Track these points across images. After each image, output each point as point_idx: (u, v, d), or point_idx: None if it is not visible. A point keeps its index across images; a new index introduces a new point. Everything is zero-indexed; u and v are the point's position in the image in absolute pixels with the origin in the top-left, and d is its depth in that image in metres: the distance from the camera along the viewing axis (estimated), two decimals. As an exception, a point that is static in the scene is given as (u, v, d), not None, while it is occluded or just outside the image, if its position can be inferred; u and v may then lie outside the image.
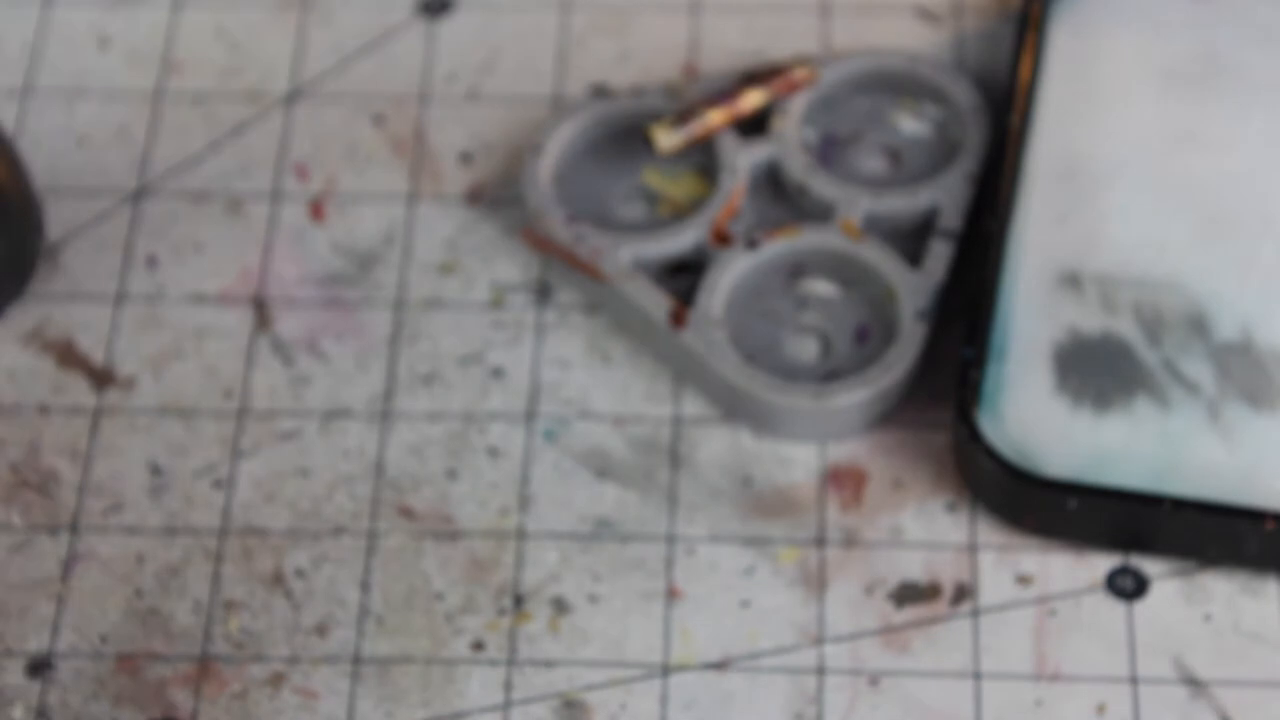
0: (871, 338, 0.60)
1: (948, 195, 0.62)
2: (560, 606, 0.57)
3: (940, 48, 0.67)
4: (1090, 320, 0.59)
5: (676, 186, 0.64)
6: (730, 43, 0.67)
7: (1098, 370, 0.58)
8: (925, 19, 0.67)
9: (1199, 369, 0.58)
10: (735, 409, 0.60)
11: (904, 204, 0.62)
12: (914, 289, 0.60)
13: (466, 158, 0.65)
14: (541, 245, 0.62)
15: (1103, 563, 0.57)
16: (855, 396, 0.59)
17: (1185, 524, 0.56)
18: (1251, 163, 0.62)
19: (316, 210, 0.64)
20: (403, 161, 0.65)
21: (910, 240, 0.62)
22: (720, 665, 0.56)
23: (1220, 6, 0.64)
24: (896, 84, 0.65)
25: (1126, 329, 0.59)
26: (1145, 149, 0.62)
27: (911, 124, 0.65)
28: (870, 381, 0.59)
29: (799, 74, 0.63)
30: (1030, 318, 0.59)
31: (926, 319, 0.59)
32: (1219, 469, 0.56)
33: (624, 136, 0.64)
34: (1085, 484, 0.56)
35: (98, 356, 0.62)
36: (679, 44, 0.67)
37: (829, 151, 0.64)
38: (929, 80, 0.64)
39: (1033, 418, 0.57)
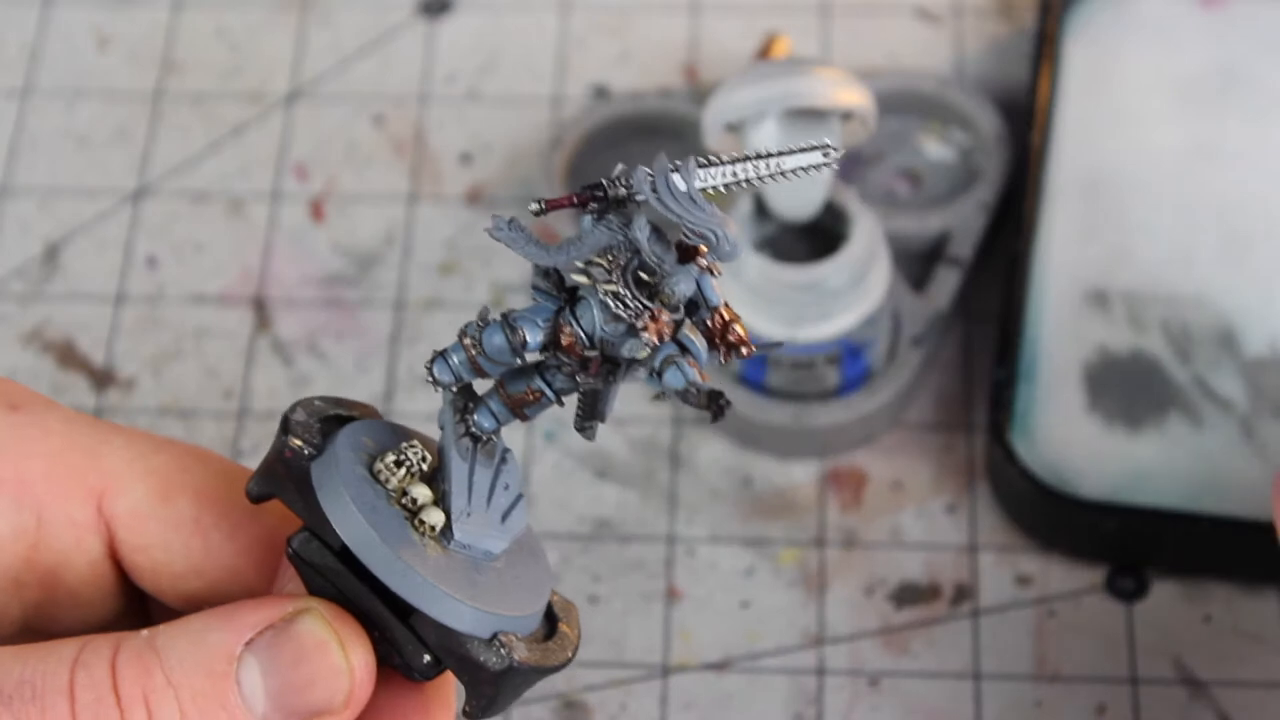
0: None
1: (960, 222, 0.61)
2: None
3: (940, 48, 0.67)
4: (1119, 338, 0.59)
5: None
6: (730, 43, 0.67)
7: (1129, 388, 0.58)
8: (925, 19, 0.67)
9: (1230, 385, 0.58)
10: (725, 427, 0.59)
11: (915, 226, 0.61)
12: (914, 314, 0.59)
13: (466, 158, 0.65)
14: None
15: (1103, 563, 0.57)
16: (834, 417, 0.58)
17: (1222, 542, 0.55)
18: (1274, 175, 0.61)
19: (316, 210, 0.64)
20: (403, 161, 0.65)
21: (919, 264, 0.61)
22: (720, 665, 0.56)
23: (1235, 19, 0.64)
24: (925, 107, 0.64)
25: (1156, 346, 0.58)
26: (1167, 164, 0.61)
27: (936, 148, 0.64)
28: (852, 406, 0.59)
29: None
30: (1059, 337, 0.59)
31: (923, 344, 0.59)
32: (1255, 486, 0.56)
33: (643, 135, 0.64)
34: (1122, 504, 0.56)
35: (98, 356, 0.62)
36: (679, 44, 0.67)
37: (850, 168, 0.63)
38: (957, 106, 0.63)
39: (1066, 438, 0.57)
